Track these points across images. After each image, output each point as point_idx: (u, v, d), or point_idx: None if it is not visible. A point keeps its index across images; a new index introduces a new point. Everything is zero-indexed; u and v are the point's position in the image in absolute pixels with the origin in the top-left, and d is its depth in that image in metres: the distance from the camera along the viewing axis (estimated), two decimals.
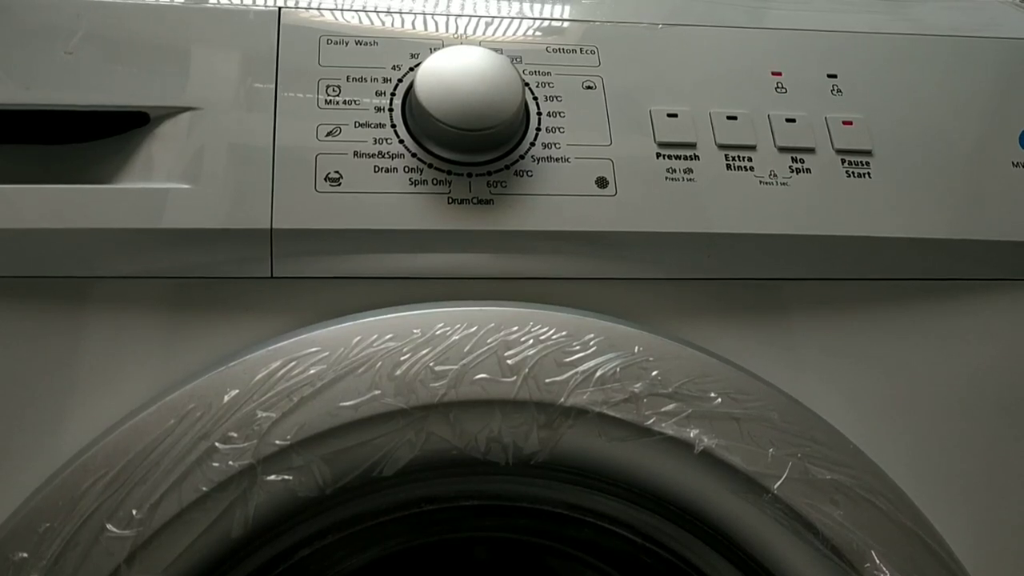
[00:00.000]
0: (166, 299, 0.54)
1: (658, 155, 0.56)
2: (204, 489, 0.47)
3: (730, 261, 0.57)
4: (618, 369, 0.51)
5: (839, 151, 0.58)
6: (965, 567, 0.52)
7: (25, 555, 0.46)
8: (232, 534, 0.47)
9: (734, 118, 0.58)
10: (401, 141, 0.55)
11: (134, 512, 0.47)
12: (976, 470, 0.57)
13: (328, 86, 0.56)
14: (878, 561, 0.49)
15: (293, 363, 0.49)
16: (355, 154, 0.54)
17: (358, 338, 0.50)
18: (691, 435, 0.50)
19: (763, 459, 0.50)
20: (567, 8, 0.62)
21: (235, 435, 0.48)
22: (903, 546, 0.50)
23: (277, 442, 0.48)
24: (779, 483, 0.50)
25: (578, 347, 0.51)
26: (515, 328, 0.51)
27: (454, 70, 0.53)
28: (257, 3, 0.58)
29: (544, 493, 0.54)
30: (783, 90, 0.60)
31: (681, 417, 0.50)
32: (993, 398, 0.58)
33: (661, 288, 0.57)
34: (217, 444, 0.48)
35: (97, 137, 0.56)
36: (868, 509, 0.50)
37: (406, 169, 0.54)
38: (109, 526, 0.46)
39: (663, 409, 0.50)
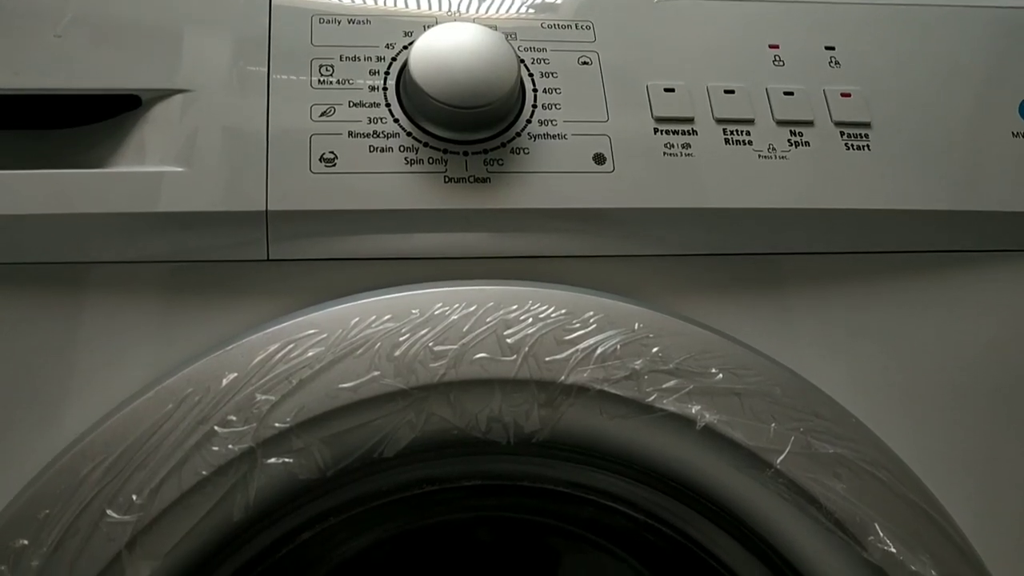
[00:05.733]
0: (162, 283, 0.53)
1: (655, 130, 0.56)
2: (204, 473, 0.47)
3: (729, 236, 0.56)
4: (618, 346, 0.50)
5: (838, 124, 0.58)
6: (968, 538, 0.51)
7: (25, 542, 0.46)
8: (233, 518, 0.47)
9: (732, 92, 0.58)
10: (396, 120, 0.54)
11: (134, 497, 0.46)
12: (978, 442, 0.57)
13: (321, 66, 0.55)
14: (881, 534, 0.49)
15: (291, 345, 0.49)
16: (350, 134, 0.54)
17: (356, 319, 0.50)
18: (692, 411, 0.50)
19: (765, 434, 0.50)
20: None
21: (234, 418, 0.47)
22: (906, 518, 0.50)
23: (277, 425, 0.48)
24: (781, 458, 0.49)
25: (578, 325, 0.51)
26: (514, 307, 0.51)
27: (448, 47, 0.53)
28: None
29: (545, 472, 0.53)
30: (781, 63, 0.59)
31: (682, 393, 0.50)
32: (994, 370, 0.58)
33: (660, 264, 0.56)
34: (216, 428, 0.47)
35: (88, 121, 0.55)
36: (871, 482, 0.50)
37: (401, 148, 0.54)
38: (109, 512, 0.46)
39: (664, 386, 0.50)
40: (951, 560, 0.50)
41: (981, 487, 0.56)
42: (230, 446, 0.47)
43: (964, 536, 0.51)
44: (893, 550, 0.49)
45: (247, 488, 0.47)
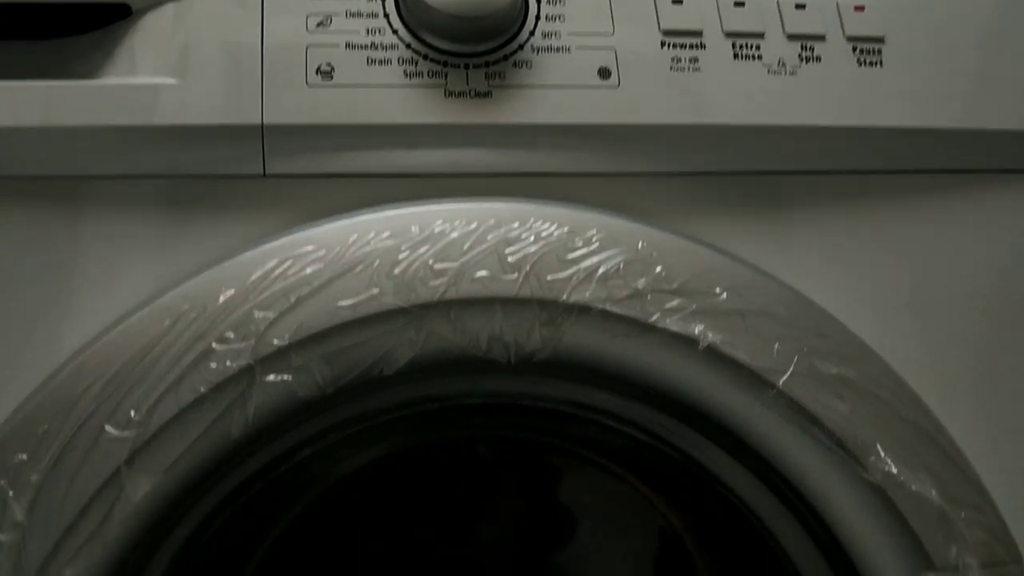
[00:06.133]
0: (158, 199, 0.52)
1: (663, 44, 0.54)
2: (202, 390, 0.47)
3: (736, 154, 0.55)
4: (621, 265, 0.50)
5: (850, 38, 0.56)
6: (970, 460, 0.51)
7: (24, 457, 0.46)
8: (232, 435, 0.47)
9: (742, 4, 0.56)
10: (395, 31, 0.53)
11: (132, 414, 0.46)
12: (983, 364, 0.56)
13: None
14: (883, 454, 0.49)
15: (289, 262, 0.48)
16: (347, 45, 0.52)
17: (355, 236, 0.49)
18: (695, 331, 0.49)
19: (768, 354, 0.49)
20: None
21: (232, 335, 0.47)
22: (908, 439, 0.50)
23: (275, 342, 0.47)
24: (784, 378, 0.49)
25: (580, 243, 0.50)
26: (515, 224, 0.50)
27: None
28: None
29: (547, 391, 0.53)
30: None
31: (686, 313, 0.49)
32: (1002, 293, 0.57)
33: (665, 183, 0.55)
34: (214, 345, 0.47)
35: (76, 32, 0.53)
36: (874, 403, 0.50)
37: (400, 61, 0.52)
38: (107, 427, 0.46)
39: (667, 305, 0.49)
40: (952, 481, 0.50)
41: (985, 410, 0.56)
42: (228, 363, 0.47)
43: (965, 458, 0.51)
44: (894, 470, 0.49)
45: (246, 405, 0.47)
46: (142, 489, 0.46)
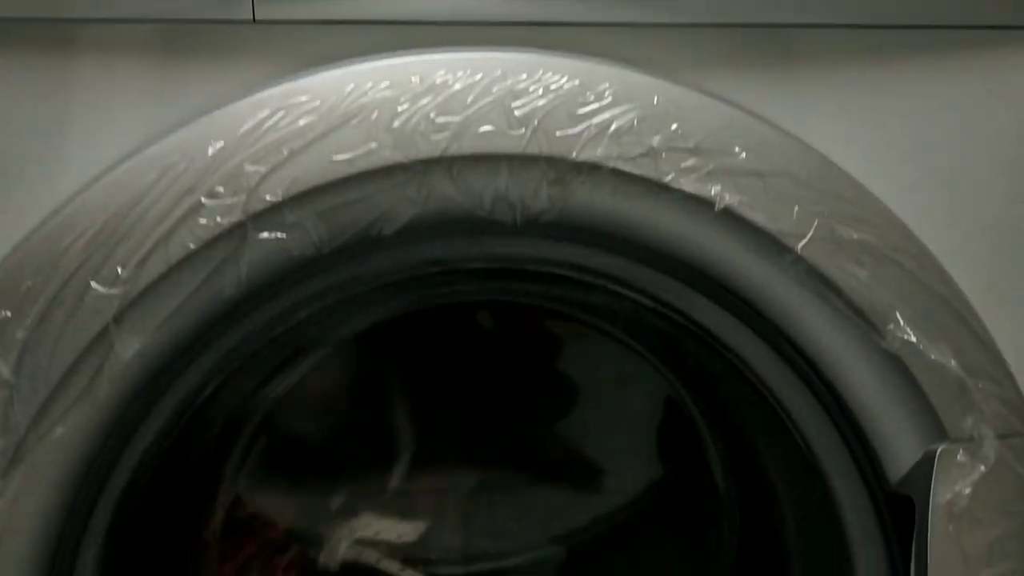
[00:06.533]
0: (144, 45, 0.50)
1: None
2: (192, 247, 0.45)
3: (748, 4, 0.51)
4: (635, 121, 0.47)
5: None
6: (990, 331, 0.50)
7: (8, 314, 0.45)
8: (224, 293, 0.46)
9: None
10: None
11: (119, 270, 0.45)
12: (1006, 229, 0.54)
13: None
14: (902, 323, 0.48)
15: (281, 113, 0.46)
16: None
17: (351, 86, 0.47)
18: (712, 192, 0.47)
19: (788, 217, 0.47)
20: None
21: (222, 190, 0.45)
22: (929, 308, 0.49)
23: (268, 197, 0.45)
24: (803, 242, 0.47)
25: (592, 97, 0.47)
26: (523, 76, 0.47)
27: None
28: None
29: (552, 254, 0.51)
30: None
31: (702, 173, 0.47)
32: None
33: (681, 35, 0.52)
34: (203, 199, 0.45)
35: None
36: (895, 270, 0.48)
37: None
38: (94, 284, 0.45)
39: (683, 164, 0.47)
40: (971, 351, 0.49)
41: (1007, 277, 0.54)
42: (219, 219, 0.45)
43: (985, 327, 0.50)
44: (913, 339, 0.48)
45: (238, 263, 0.46)
46: (132, 348, 0.45)
